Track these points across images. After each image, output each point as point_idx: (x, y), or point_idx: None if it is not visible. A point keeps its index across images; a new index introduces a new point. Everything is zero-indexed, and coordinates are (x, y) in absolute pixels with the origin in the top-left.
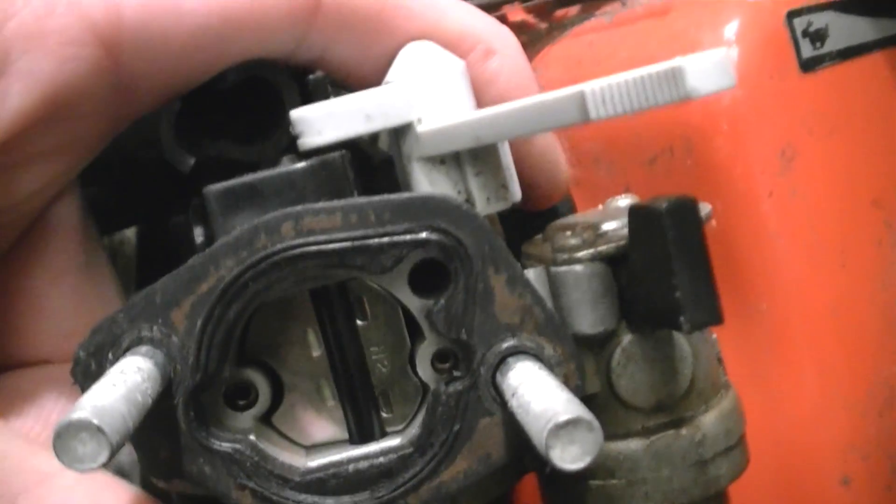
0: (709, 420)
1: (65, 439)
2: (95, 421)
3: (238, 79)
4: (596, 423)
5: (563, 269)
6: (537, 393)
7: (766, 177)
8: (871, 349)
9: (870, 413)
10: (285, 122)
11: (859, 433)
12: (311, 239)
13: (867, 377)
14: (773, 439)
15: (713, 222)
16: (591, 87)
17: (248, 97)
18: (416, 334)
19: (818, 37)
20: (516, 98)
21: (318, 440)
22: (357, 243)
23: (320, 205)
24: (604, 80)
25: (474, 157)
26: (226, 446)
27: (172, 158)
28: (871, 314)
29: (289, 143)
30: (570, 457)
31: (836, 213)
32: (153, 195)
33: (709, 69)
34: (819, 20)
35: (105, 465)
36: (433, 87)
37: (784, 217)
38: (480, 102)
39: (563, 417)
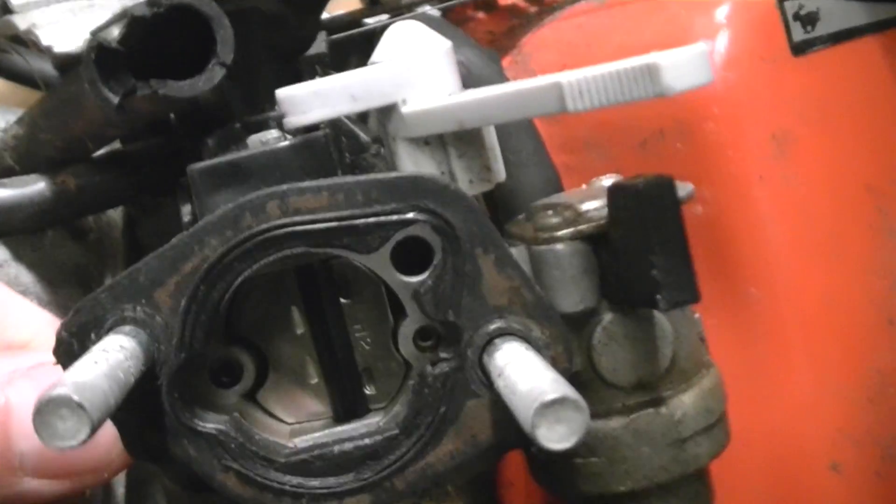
0: (689, 398)
1: (45, 415)
2: (76, 397)
3: (167, 6)
4: (583, 403)
5: (545, 248)
6: (524, 373)
7: (757, 161)
8: (862, 336)
9: (860, 400)
10: (216, 55)
11: (850, 420)
12: (297, 219)
13: (858, 364)
14: (764, 425)
15: (699, 208)
16: (569, 78)
17: (178, 36)
18: (398, 312)
19: (809, 20)
20: None
21: (302, 417)
22: (344, 223)
23: (306, 184)
24: (580, 72)
25: (458, 139)
26: (210, 427)
27: (97, 97)
28: (863, 300)
29: (225, 80)
30: (556, 436)
31: (828, 197)
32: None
33: (685, 66)
34: (810, 3)
35: (86, 442)
36: (419, 67)
37: (775, 201)
38: None
39: (549, 396)
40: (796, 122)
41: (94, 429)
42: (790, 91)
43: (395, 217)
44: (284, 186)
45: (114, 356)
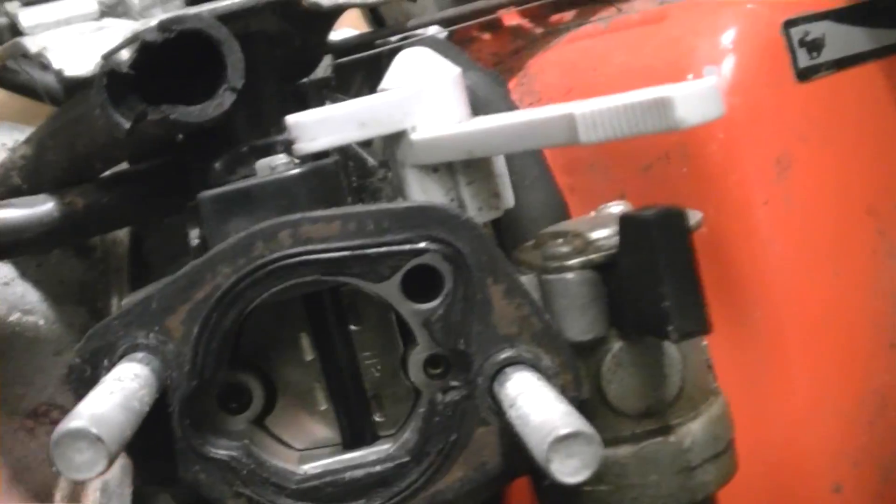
0: (697, 426)
1: (63, 448)
2: (94, 430)
3: (178, 32)
4: (596, 436)
5: (554, 276)
6: (536, 404)
7: (761, 184)
8: (862, 358)
9: (861, 421)
10: (226, 80)
11: (850, 441)
12: (310, 248)
13: (859, 385)
14: (766, 446)
15: (703, 229)
16: (581, 110)
17: (187, 59)
18: (407, 339)
19: (815, 46)
20: None
21: (311, 443)
22: (356, 252)
23: (318, 213)
24: (592, 103)
25: (467, 166)
26: (222, 453)
27: (108, 121)
28: (864, 322)
29: (232, 104)
30: (569, 469)
31: (830, 221)
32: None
33: (698, 99)
34: (816, 30)
35: (103, 474)
36: (428, 94)
37: (778, 225)
38: None
39: (562, 431)
40: (800, 147)
41: (112, 460)
42: (794, 116)
43: (406, 246)
44: (297, 215)
45: (128, 385)
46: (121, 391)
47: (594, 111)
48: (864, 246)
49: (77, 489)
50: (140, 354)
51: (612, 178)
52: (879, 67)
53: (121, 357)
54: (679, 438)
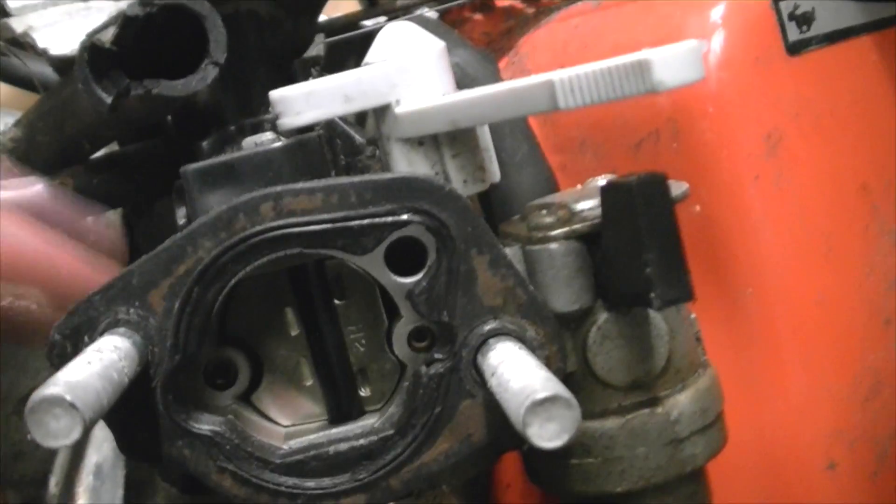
0: (685, 399)
1: (38, 414)
2: (68, 397)
3: (159, 6)
4: (574, 401)
5: (539, 247)
6: (516, 372)
7: (751, 161)
8: (856, 335)
9: (856, 399)
10: (209, 54)
11: (845, 419)
12: (292, 220)
13: (853, 363)
14: (759, 425)
15: (697, 207)
16: (560, 76)
17: (172, 37)
18: (392, 313)
19: (805, 20)
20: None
21: (297, 419)
22: (338, 225)
23: (300, 185)
24: (572, 70)
25: (452, 139)
26: (205, 429)
27: (90, 97)
28: (857, 300)
29: (220, 84)
30: (547, 434)
31: (822, 197)
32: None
33: (677, 62)
34: (806, 3)
35: (79, 441)
36: (412, 67)
37: (770, 201)
38: None
39: (540, 395)
40: (791, 122)
41: (88, 427)
42: (785, 91)
43: (389, 218)
44: (279, 188)
45: (108, 356)
46: (99, 361)
47: (572, 77)
48: (858, 223)
49: (71, 474)
50: (121, 330)
51: (602, 156)
52: (872, 41)
53: (102, 333)
54: (667, 410)
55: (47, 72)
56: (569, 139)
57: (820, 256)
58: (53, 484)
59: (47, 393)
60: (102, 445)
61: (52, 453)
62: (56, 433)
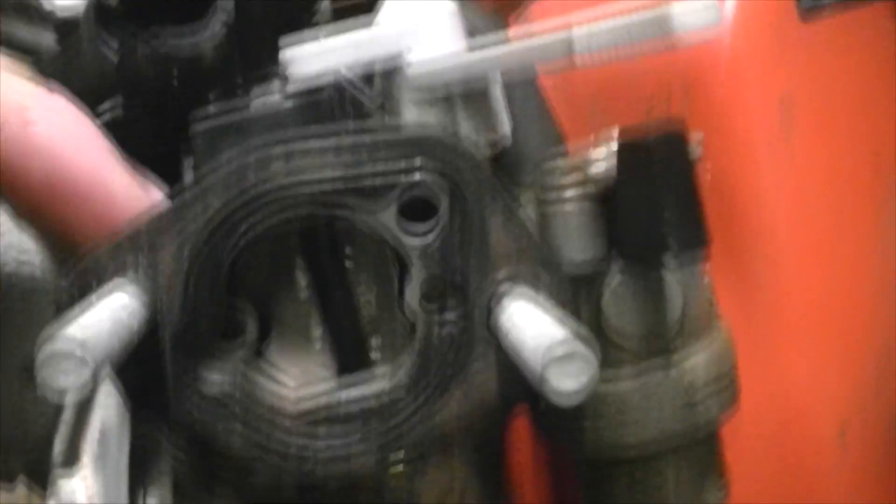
0: (699, 360)
1: (47, 358)
2: (78, 336)
3: None
4: (591, 355)
5: (552, 207)
6: (531, 327)
7: (764, 126)
8: (868, 303)
9: (867, 367)
10: (216, 11)
11: (856, 387)
12: (303, 177)
13: (865, 330)
14: (770, 392)
15: (707, 168)
16: (578, 31)
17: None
18: (403, 271)
19: None
20: (72, 159)
21: (306, 379)
22: (350, 182)
23: (312, 141)
24: (591, 25)
25: (464, 99)
26: (214, 388)
27: (96, 55)
28: (869, 266)
29: (224, 36)
30: (565, 389)
31: (834, 163)
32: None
33: (695, 10)
34: None
35: (88, 389)
36: (424, 26)
37: (782, 167)
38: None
39: (557, 349)
40: (804, 88)
41: (96, 374)
42: (798, 57)
43: (401, 175)
44: (290, 145)
45: (116, 307)
46: (108, 311)
47: (591, 32)
48: (869, 189)
49: (75, 439)
50: (130, 285)
51: (613, 118)
52: (886, 7)
53: (111, 287)
54: (681, 371)
55: (47, 39)
56: (578, 102)
57: (831, 222)
58: (58, 446)
59: (56, 335)
60: (107, 410)
61: (55, 418)
62: (65, 378)
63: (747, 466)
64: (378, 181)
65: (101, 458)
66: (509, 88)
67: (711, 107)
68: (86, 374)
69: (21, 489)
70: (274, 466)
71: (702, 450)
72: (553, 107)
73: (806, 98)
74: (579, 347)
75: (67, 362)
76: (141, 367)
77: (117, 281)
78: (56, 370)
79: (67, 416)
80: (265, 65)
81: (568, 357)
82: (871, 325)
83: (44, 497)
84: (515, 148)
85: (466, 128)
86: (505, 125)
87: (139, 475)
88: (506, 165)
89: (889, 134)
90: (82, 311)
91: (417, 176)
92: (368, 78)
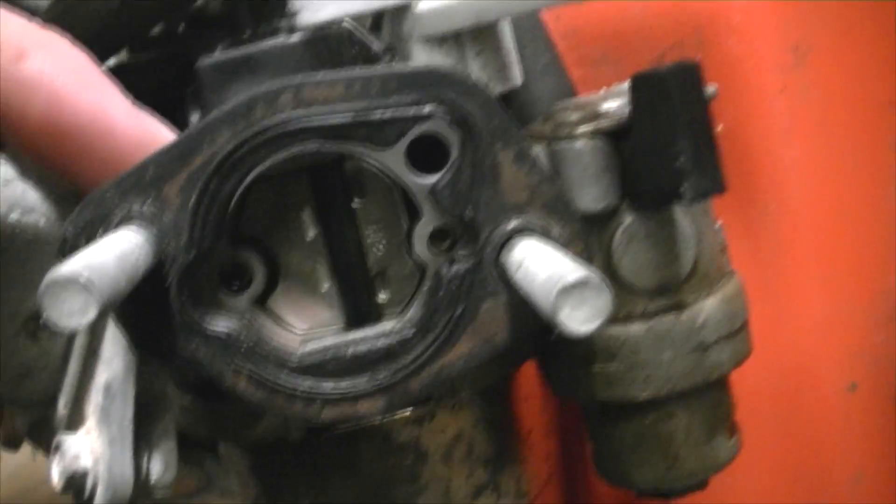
0: (711, 304)
1: (53, 291)
2: (84, 273)
3: None
4: (605, 285)
5: (564, 145)
6: (544, 262)
7: (777, 72)
8: (878, 254)
9: (877, 319)
10: None
11: (866, 339)
12: (312, 111)
13: (875, 282)
14: (780, 344)
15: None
16: None
17: None
18: (412, 214)
19: None
20: (71, 96)
21: (313, 324)
22: (360, 116)
23: (321, 75)
24: None
25: (475, 37)
26: (220, 329)
27: None
28: (881, 217)
29: None
30: (579, 319)
31: (849, 112)
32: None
33: None
34: None
35: (94, 322)
36: None
37: (796, 114)
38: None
39: (572, 277)
40: (818, 35)
41: (102, 308)
42: (813, 3)
43: (412, 110)
44: (299, 77)
45: (122, 245)
46: (114, 248)
47: None
48: (885, 139)
49: (80, 393)
50: (135, 224)
51: (623, 70)
52: None
53: (116, 227)
54: (693, 315)
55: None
56: (590, 53)
57: (845, 171)
58: (62, 404)
59: (63, 270)
60: (112, 363)
61: (59, 372)
62: (70, 312)
63: (756, 421)
64: (388, 114)
65: (106, 418)
66: (519, 35)
67: (724, 54)
68: (92, 312)
69: (26, 448)
70: (280, 409)
71: (712, 399)
72: (563, 58)
73: (821, 45)
74: (592, 276)
75: (73, 300)
76: (147, 308)
77: (122, 218)
78: (61, 309)
79: (71, 375)
80: (273, 15)
81: (581, 284)
82: (881, 277)
83: (48, 456)
84: (525, 93)
85: (477, 65)
86: (515, 65)
87: (144, 434)
88: (517, 112)
89: None
90: (87, 249)
91: (427, 109)
92: (377, 23)
